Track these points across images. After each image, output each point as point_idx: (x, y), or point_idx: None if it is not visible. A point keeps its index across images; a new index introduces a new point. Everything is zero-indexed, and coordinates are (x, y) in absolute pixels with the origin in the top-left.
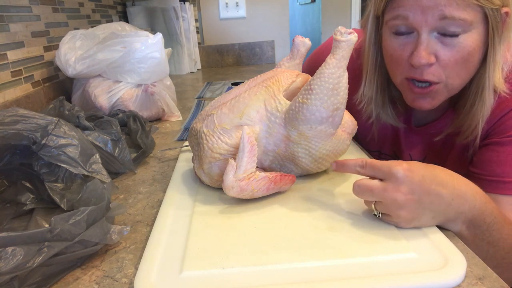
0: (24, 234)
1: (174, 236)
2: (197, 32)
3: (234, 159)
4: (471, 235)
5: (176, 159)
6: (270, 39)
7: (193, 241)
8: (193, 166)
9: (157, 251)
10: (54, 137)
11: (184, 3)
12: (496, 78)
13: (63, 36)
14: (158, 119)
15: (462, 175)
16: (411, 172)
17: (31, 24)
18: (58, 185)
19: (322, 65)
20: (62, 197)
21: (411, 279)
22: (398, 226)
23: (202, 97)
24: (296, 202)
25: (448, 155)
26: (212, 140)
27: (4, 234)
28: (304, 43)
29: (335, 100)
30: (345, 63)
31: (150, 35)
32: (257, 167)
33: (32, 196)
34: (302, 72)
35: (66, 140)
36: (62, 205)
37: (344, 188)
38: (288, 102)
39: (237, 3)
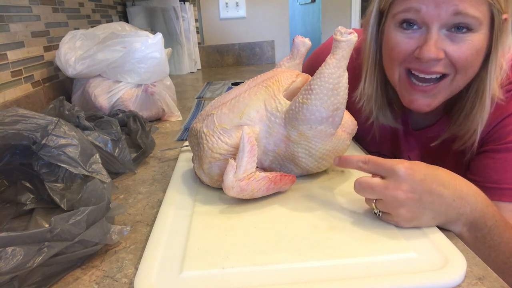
0: (24, 234)
1: (174, 236)
2: (197, 32)
3: (234, 159)
4: (472, 238)
5: (176, 159)
6: (270, 39)
7: (193, 241)
8: (193, 166)
9: (157, 251)
10: (54, 137)
11: (184, 3)
12: (494, 83)
13: (63, 36)
14: (158, 119)
15: None
16: (413, 170)
17: (31, 24)
18: (58, 185)
19: (322, 65)
20: (62, 197)
21: (411, 279)
22: (398, 226)
23: (202, 97)
24: (296, 202)
25: (445, 160)
26: (212, 140)
27: (4, 234)
28: (304, 43)
29: (335, 100)
30: (345, 63)
31: (150, 35)
32: (257, 167)
33: (32, 196)
34: (302, 72)
35: (66, 140)
36: (62, 205)
37: (344, 188)
38: (288, 102)
39: (237, 3)
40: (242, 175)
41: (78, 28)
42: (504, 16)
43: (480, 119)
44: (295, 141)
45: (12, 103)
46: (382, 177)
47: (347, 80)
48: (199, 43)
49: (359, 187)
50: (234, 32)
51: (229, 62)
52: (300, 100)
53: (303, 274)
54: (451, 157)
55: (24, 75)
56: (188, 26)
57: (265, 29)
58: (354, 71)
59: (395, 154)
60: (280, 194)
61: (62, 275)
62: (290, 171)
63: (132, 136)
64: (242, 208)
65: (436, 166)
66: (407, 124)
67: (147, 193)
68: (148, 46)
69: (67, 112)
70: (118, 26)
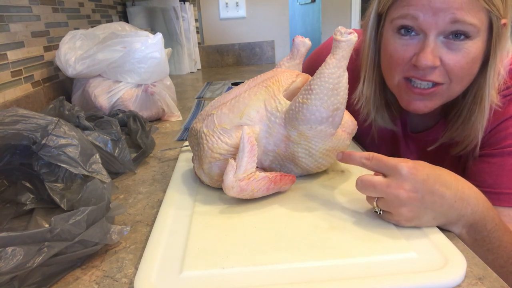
0: (24, 234)
1: (174, 236)
2: (197, 32)
3: (234, 159)
4: (471, 240)
5: (176, 159)
6: (270, 39)
7: (193, 241)
8: (193, 166)
9: (157, 251)
10: (54, 137)
11: (184, 3)
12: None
13: (63, 36)
14: (158, 119)
15: None
16: (416, 170)
17: (31, 24)
18: (58, 185)
19: (322, 65)
20: (62, 197)
21: (411, 279)
22: (398, 225)
23: (202, 97)
24: (296, 202)
25: (442, 164)
26: (212, 140)
27: (4, 234)
28: (304, 43)
29: (335, 100)
30: (345, 63)
31: (150, 35)
32: (257, 167)
33: (32, 196)
34: (302, 72)
35: (66, 140)
36: (62, 205)
37: (344, 188)
38: (288, 102)
39: (237, 3)
40: (242, 175)
41: (78, 28)
42: (503, 21)
43: (480, 125)
44: (295, 141)
45: (12, 103)
46: (385, 175)
47: (347, 80)
48: (199, 43)
49: (361, 185)
50: (234, 32)
51: (229, 62)
52: (300, 100)
53: (303, 274)
54: (448, 161)
55: (24, 75)
56: (188, 26)
57: (265, 29)
58: (354, 72)
59: (394, 156)
60: (280, 194)
61: (62, 275)
62: (290, 171)
63: (132, 136)
64: (242, 208)
65: (439, 167)
66: (405, 126)
67: (147, 193)
68: (148, 46)
69: (67, 112)
70: (118, 26)
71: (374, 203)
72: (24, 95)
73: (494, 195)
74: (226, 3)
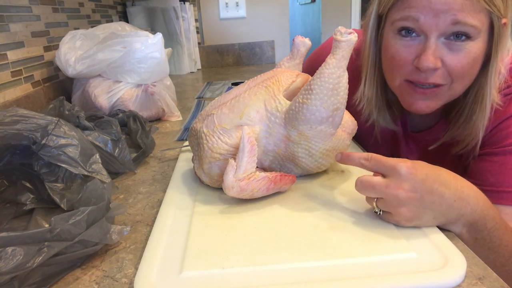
0: (24, 234)
1: (174, 236)
2: (197, 32)
3: (234, 159)
4: (472, 239)
5: (176, 159)
6: (270, 39)
7: (193, 241)
8: (193, 166)
9: (157, 251)
10: (54, 137)
11: (184, 3)
12: (494, 89)
13: (63, 36)
14: (158, 119)
15: None
16: (415, 170)
17: (31, 24)
18: (58, 185)
19: (322, 65)
20: (62, 197)
21: (411, 279)
22: (398, 225)
23: (202, 97)
24: (296, 202)
25: (443, 164)
26: (212, 140)
27: (4, 234)
28: (304, 43)
29: (335, 100)
30: (345, 63)
31: (150, 35)
32: (257, 167)
33: (32, 196)
34: (302, 72)
35: (66, 140)
36: (62, 205)
37: (344, 188)
38: (288, 102)
39: (237, 3)
40: (242, 175)
41: (78, 28)
42: (504, 20)
43: (481, 124)
44: (295, 141)
45: (12, 103)
46: (384, 176)
47: (347, 80)
48: (199, 43)
49: (361, 185)
50: (234, 32)
51: (229, 62)
52: (300, 100)
53: (303, 274)
54: (449, 160)
55: (24, 75)
56: (188, 26)
57: (265, 29)
58: (354, 72)
59: (394, 156)
60: (280, 194)
61: (62, 275)
62: (290, 171)
63: (132, 136)
64: (242, 208)
65: (438, 167)
66: (405, 126)
67: (147, 193)
68: (148, 46)
69: (67, 112)
70: (118, 26)
71: (374, 204)
72: (24, 95)
73: (496, 194)
74: (226, 3)
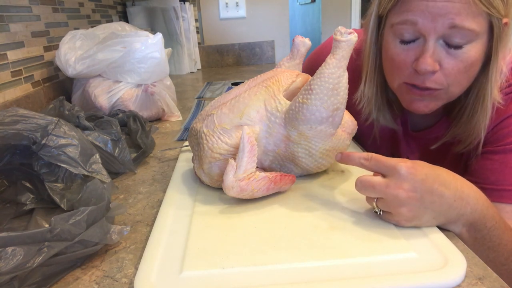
0: (24, 234)
1: (174, 236)
2: (197, 32)
3: (234, 159)
4: (471, 239)
5: (176, 159)
6: (270, 39)
7: (193, 241)
8: (193, 166)
9: (157, 251)
10: (54, 137)
11: (184, 3)
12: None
13: (63, 36)
14: (158, 119)
15: None
16: (415, 170)
17: (31, 24)
18: (58, 185)
19: (322, 65)
20: (62, 197)
21: (411, 279)
22: (398, 225)
23: (202, 97)
24: (296, 202)
25: (443, 163)
26: (212, 140)
27: (4, 234)
28: (304, 43)
29: (335, 100)
30: (345, 63)
31: (150, 35)
32: (257, 167)
33: (32, 196)
34: (302, 72)
35: (66, 140)
36: (62, 205)
37: (344, 188)
38: (288, 102)
39: (237, 3)
40: (242, 175)
41: (78, 28)
42: (505, 20)
43: (483, 124)
44: (295, 141)
45: (12, 103)
46: (384, 176)
47: (347, 80)
48: (199, 43)
49: (361, 185)
50: (234, 32)
51: (229, 62)
52: (300, 100)
53: (303, 274)
54: (450, 159)
55: (24, 75)
56: (188, 26)
57: (265, 29)
58: (354, 72)
59: (394, 155)
60: (280, 194)
61: (62, 275)
62: (290, 171)
63: (132, 136)
64: (242, 208)
65: (437, 166)
66: (406, 125)
67: (147, 193)
68: (148, 46)
69: (67, 112)
70: (118, 26)
71: (374, 204)
72: (24, 95)
73: (496, 192)
74: (226, 3)
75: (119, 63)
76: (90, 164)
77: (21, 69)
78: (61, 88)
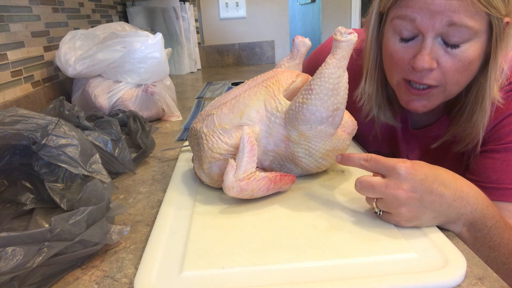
0: (24, 234)
1: (174, 236)
2: (197, 32)
3: (234, 159)
4: (472, 238)
5: (176, 159)
6: (270, 39)
7: (193, 241)
8: (193, 166)
9: (157, 251)
10: (54, 137)
11: (184, 3)
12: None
13: (63, 36)
14: (158, 119)
15: None
16: (414, 170)
17: (31, 24)
18: (58, 185)
19: (322, 65)
20: (62, 197)
21: (411, 279)
22: (398, 225)
23: (202, 97)
24: (296, 202)
25: (444, 161)
26: (212, 140)
27: (4, 234)
28: (304, 43)
29: (335, 100)
30: (345, 63)
31: (150, 35)
32: (257, 167)
33: (32, 196)
34: (302, 72)
35: (66, 140)
36: (62, 205)
37: (344, 188)
38: (288, 102)
39: (237, 3)
40: (242, 175)
41: (78, 28)
42: (506, 19)
43: (481, 124)
44: (295, 141)
45: (12, 103)
46: (383, 176)
47: (347, 80)
48: (199, 43)
49: (360, 186)
50: (234, 32)
51: (229, 62)
52: (300, 100)
53: (303, 274)
54: (450, 157)
55: (24, 75)
56: (188, 26)
57: (265, 29)
58: (354, 72)
59: (395, 153)
60: (280, 194)
61: (62, 275)
62: (290, 171)
63: (132, 136)
64: (242, 208)
65: (437, 166)
66: (406, 123)
67: (147, 193)
68: (148, 46)
69: (67, 112)
70: (118, 26)
71: (374, 204)
72: (24, 95)
73: (497, 191)
74: (226, 3)
75: (119, 63)
76: (90, 164)
77: (21, 69)
78: (61, 88)
